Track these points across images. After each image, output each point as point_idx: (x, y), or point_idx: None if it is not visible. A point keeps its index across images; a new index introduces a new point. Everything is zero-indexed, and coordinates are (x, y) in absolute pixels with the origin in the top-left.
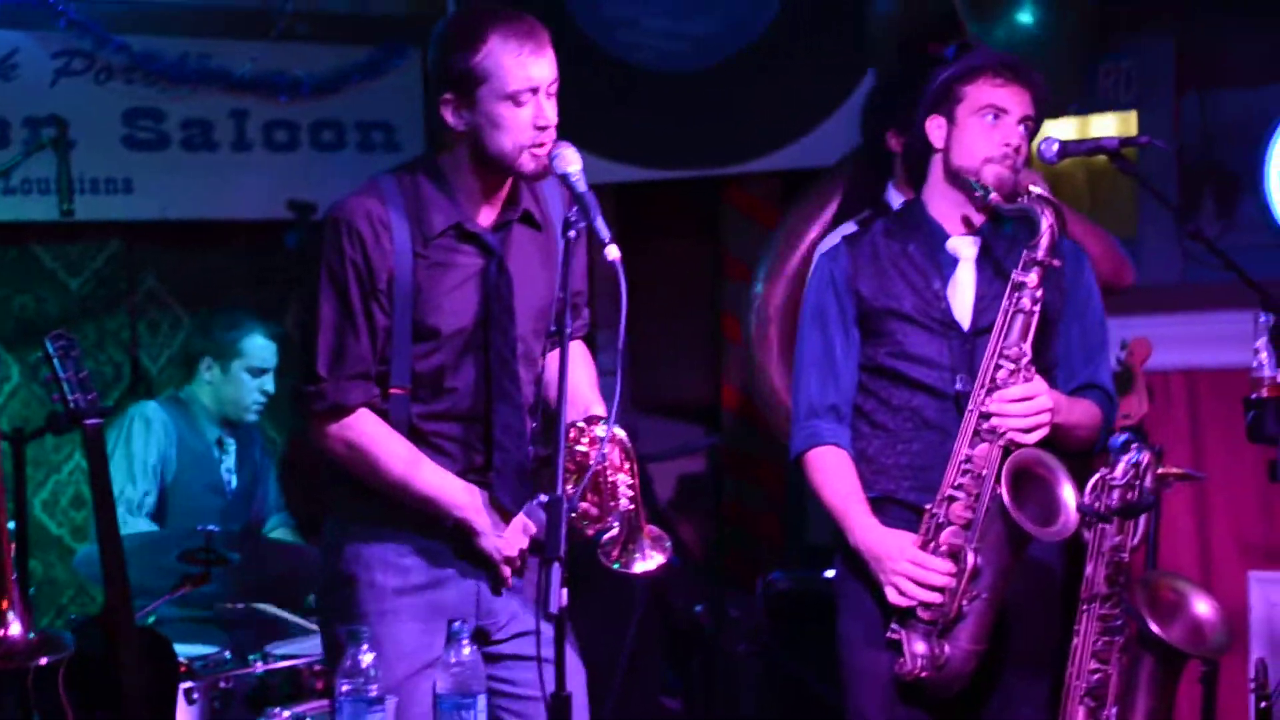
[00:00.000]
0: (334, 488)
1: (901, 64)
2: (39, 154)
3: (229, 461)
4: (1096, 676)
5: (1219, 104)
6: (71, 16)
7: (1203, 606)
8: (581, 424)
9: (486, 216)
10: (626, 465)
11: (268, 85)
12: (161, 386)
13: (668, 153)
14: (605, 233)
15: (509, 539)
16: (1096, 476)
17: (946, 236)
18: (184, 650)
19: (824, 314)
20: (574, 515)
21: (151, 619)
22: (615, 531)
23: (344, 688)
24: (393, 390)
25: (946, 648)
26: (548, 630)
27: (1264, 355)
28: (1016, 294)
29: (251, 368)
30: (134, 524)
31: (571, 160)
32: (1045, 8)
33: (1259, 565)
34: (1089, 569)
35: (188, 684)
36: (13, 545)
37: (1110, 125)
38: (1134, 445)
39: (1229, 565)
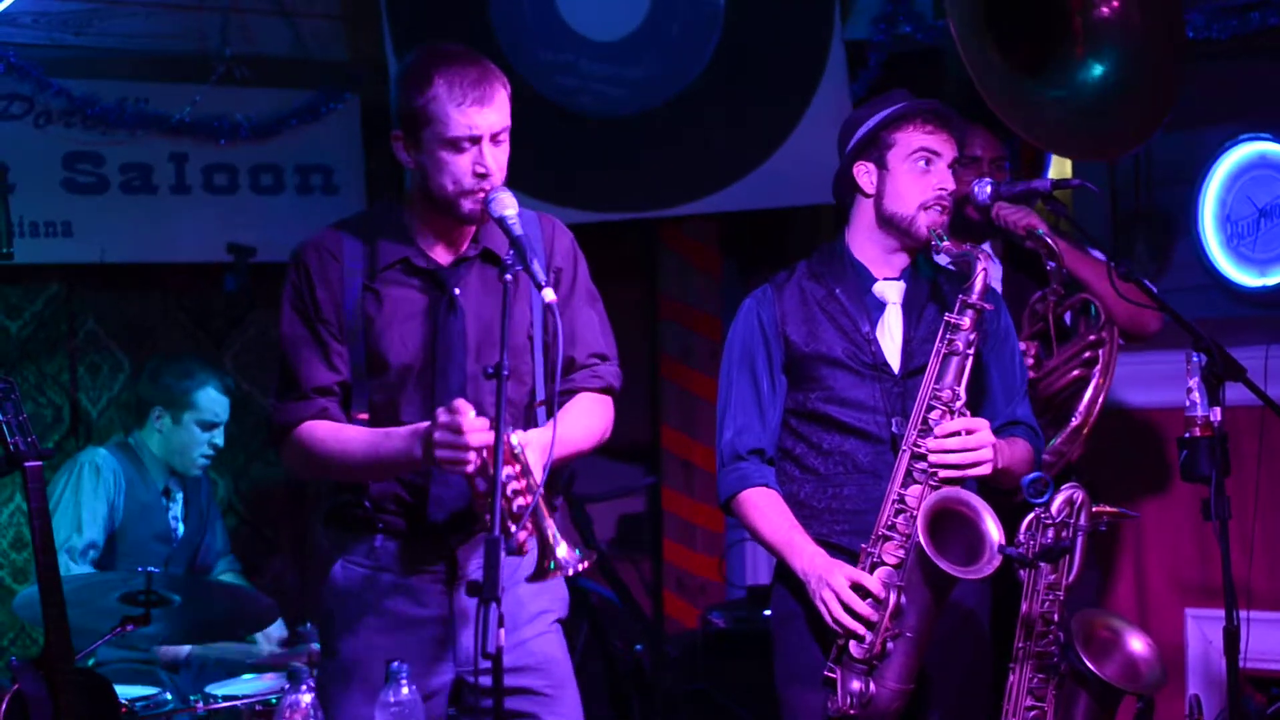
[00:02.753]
0: (324, 526)
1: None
2: None
3: (175, 509)
4: (1033, 714)
5: (1153, 146)
6: (11, 60)
7: (1138, 644)
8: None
9: (444, 254)
10: (515, 465)
11: (207, 129)
12: (101, 430)
13: (606, 196)
14: (541, 276)
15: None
16: (1031, 515)
17: (873, 280)
18: (125, 692)
19: (752, 358)
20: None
21: (91, 661)
22: (529, 545)
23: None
24: (355, 417)
25: (873, 686)
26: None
27: (1196, 395)
28: (950, 336)
29: (202, 421)
30: (75, 570)
31: (508, 204)
32: (1124, 52)
33: (1195, 603)
34: (1025, 607)
35: None
36: None
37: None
38: (1065, 485)
39: (1165, 603)
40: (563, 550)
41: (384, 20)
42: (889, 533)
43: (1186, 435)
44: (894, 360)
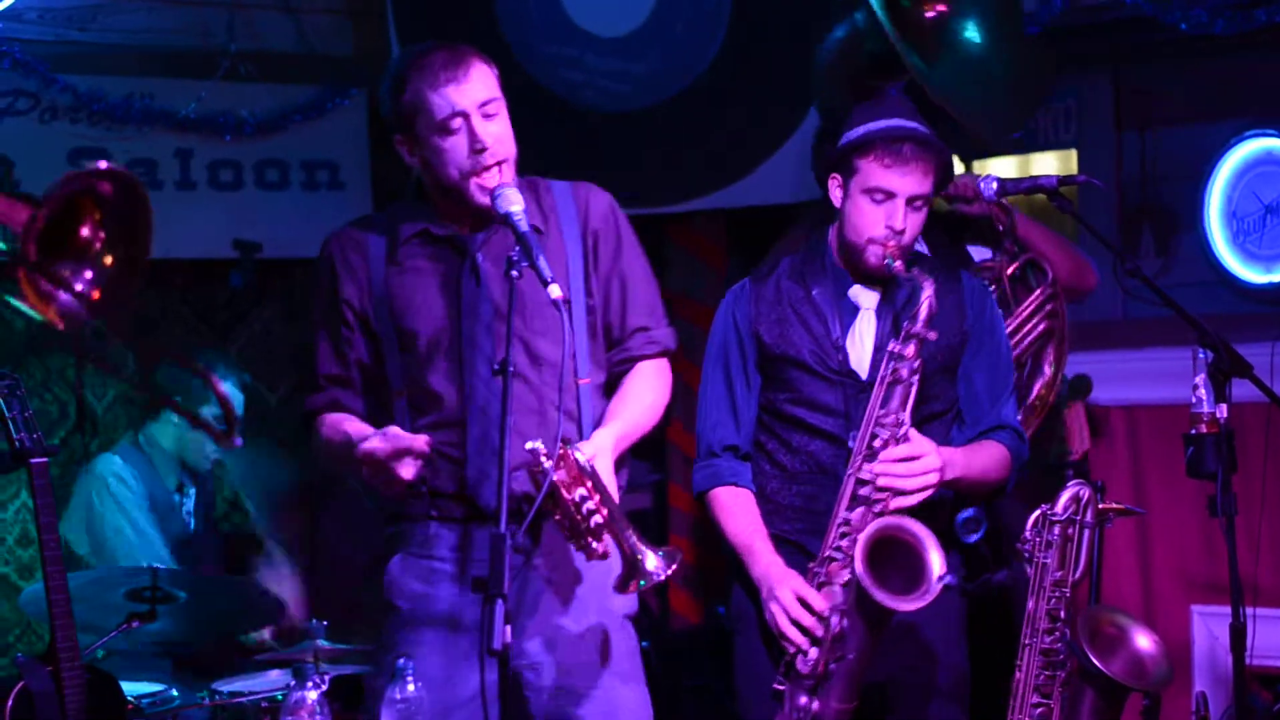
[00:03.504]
0: (385, 521)
1: (849, 100)
2: None
3: (189, 504)
4: (1039, 711)
5: (1158, 142)
6: (16, 56)
7: (1144, 640)
8: (536, 446)
9: (469, 225)
10: (587, 483)
11: (212, 125)
12: (107, 425)
13: (611, 191)
14: (547, 272)
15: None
16: (1038, 512)
17: (850, 283)
18: (131, 688)
19: (726, 356)
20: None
21: (100, 654)
22: (618, 562)
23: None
24: (394, 399)
25: (816, 704)
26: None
27: (1202, 391)
28: (893, 364)
29: (218, 416)
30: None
31: (513, 200)
32: (988, 39)
33: (1201, 599)
34: (1031, 604)
35: None
36: None
37: (1051, 164)
38: (1072, 482)
39: (1171, 599)
40: (651, 562)
41: (389, 15)
42: (834, 554)
43: (1193, 431)
44: (861, 367)
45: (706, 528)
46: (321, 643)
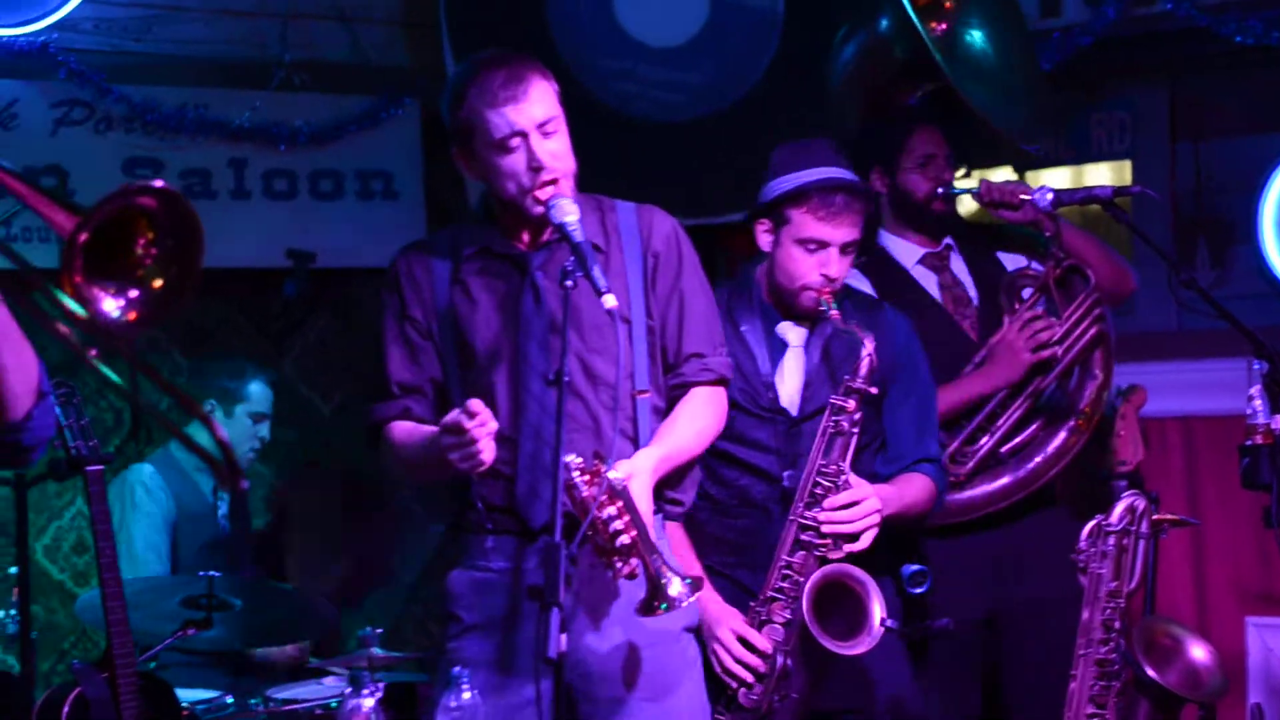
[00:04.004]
0: (446, 533)
1: (872, 112)
2: None
3: (224, 507)
4: None
5: (1213, 153)
6: (72, 66)
7: (1199, 652)
8: (576, 460)
9: (529, 242)
10: (618, 503)
11: (266, 134)
12: (161, 434)
13: (664, 201)
14: (602, 282)
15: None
16: (1093, 523)
17: (778, 320)
18: (186, 695)
19: None
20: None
21: (153, 664)
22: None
23: None
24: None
25: None
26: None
27: (1258, 402)
28: (835, 418)
29: (254, 413)
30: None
31: (568, 210)
32: (995, 40)
33: (1256, 611)
34: (1086, 614)
35: None
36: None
37: (1104, 175)
38: (1127, 493)
39: (1226, 611)
40: (675, 588)
41: (443, 26)
42: (776, 594)
43: (1248, 443)
44: (791, 404)
45: None
46: (376, 650)
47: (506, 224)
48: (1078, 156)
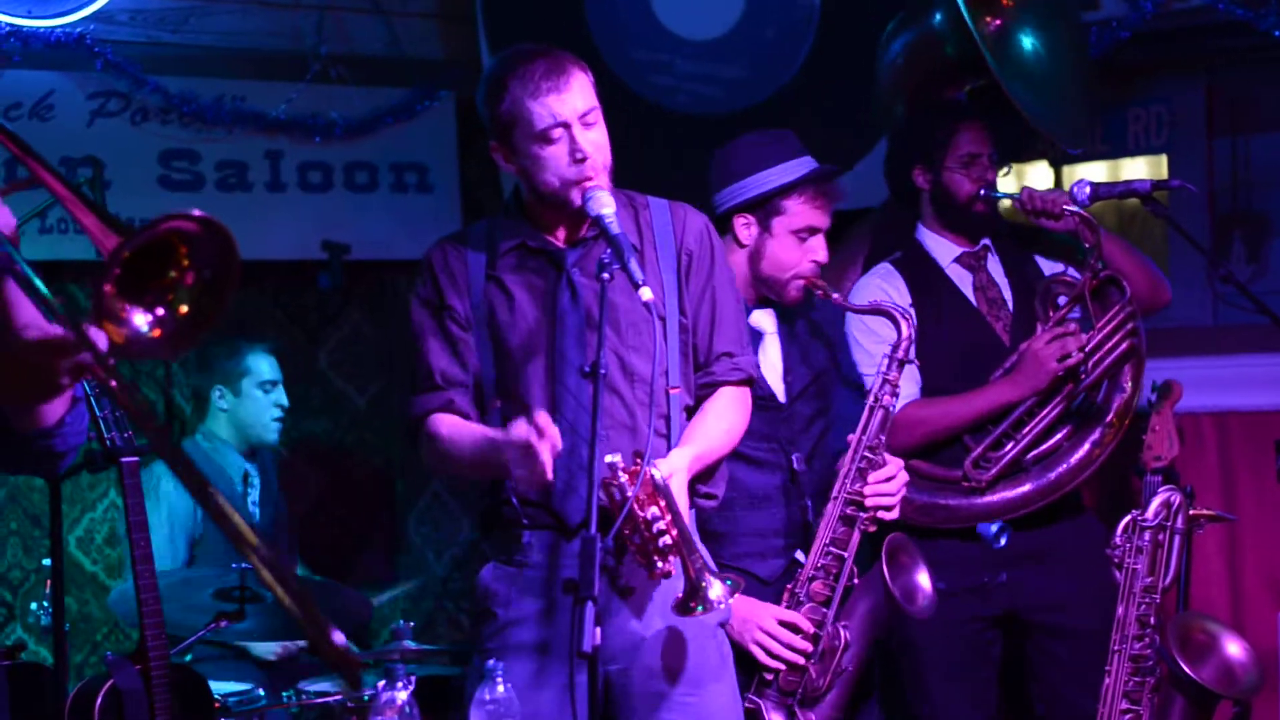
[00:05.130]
0: (480, 531)
1: (917, 108)
2: None
3: (255, 494)
4: (1128, 717)
5: (1250, 148)
6: (108, 58)
7: (1234, 648)
8: (615, 460)
9: (564, 238)
10: (660, 502)
11: (302, 127)
12: (196, 425)
13: (698, 194)
14: (639, 274)
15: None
16: (1128, 518)
17: (748, 309)
18: (218, 687)
19: None
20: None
21: (188, 657)
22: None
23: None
24: (491, 405)
25: (812, 716)
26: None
27: None
28: (882, 391)
29: (262, 382)
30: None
31: (605, 203)
32: (1048, 41)
33: None
34: (1120, 610)
35: None
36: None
37: (1141, 169)
38: (1163, 488)
39: (1260, 606)
40: (715, 591)
41: (479, 19)
42: (817, 573)
43: None
44: (778, 389)
45: None
46: (408, 643)
47: (541, 218)
48: (1114, 151)
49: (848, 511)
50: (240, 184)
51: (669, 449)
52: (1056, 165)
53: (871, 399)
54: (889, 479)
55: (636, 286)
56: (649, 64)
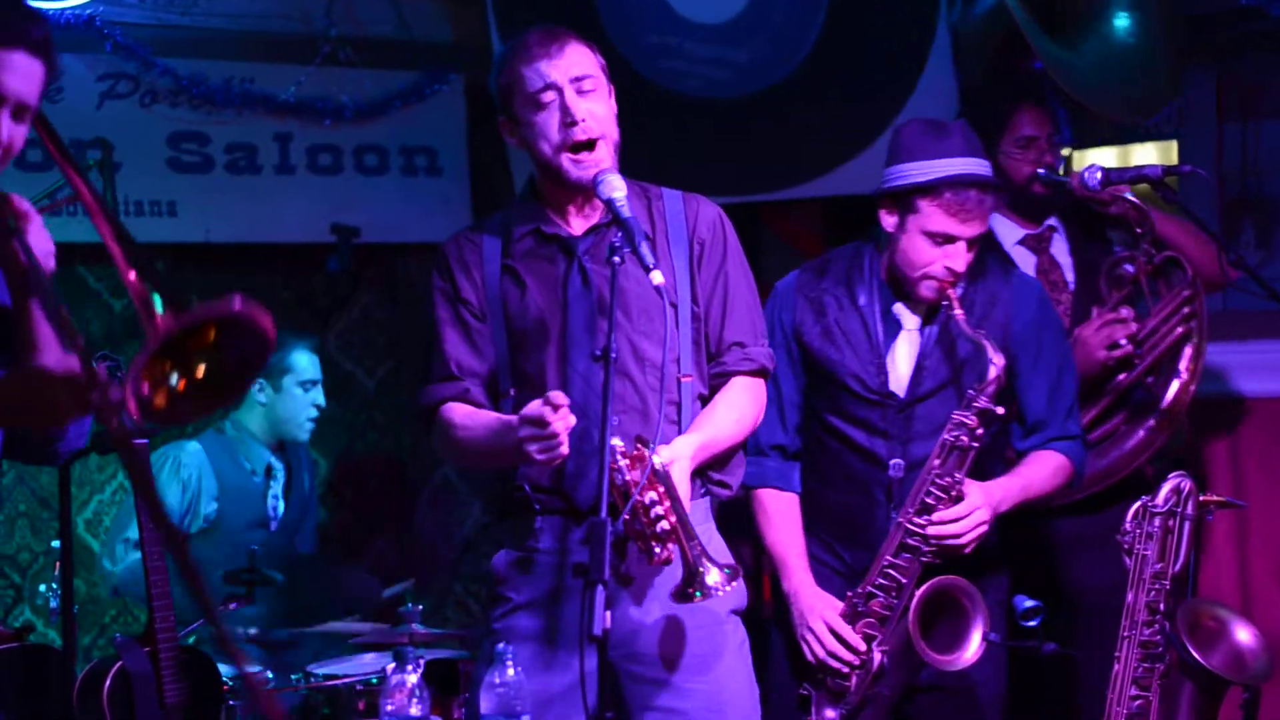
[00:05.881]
0: (491, 517)
1: (995, 71)
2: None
3: (277, 488)
4: (1137, 703)
5: (1260, 134)
6: (118, 40)
7: (1244, 634)
8: (619, 445)
9: (577, 224)
10: (659, 487)
11: (312, 109)
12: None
13: (709, 179)
14: (649, 258)
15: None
16: (1138, 504)
17: (893, 301)
18: (227, 669)
19: (775, 353)
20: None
21: (193, 639)
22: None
23: (484, 705)
24: (504, 395)
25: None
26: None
27: None
28: (956, 432)
29: (303, 381)
30: (124, 563)
31: (616, 185)
32: (1137, 12)
33: None
34: (1130, 596)
35: (230, 703)
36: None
37: (1151, 154)
38: (1173, 474)
39: (1269, 593)
40: (713, 577)
41: (488, 2)
42: (875, 590)
43: None
44: (900, 387)
45: None
46: (417, 627)
47: (554, 201)
48: (1124, 136)
49: (908, 541)
50: (249, 166)
51: (679, 436)
52: (1071, 148)
53: (947, 436)
54: (958, 519)
55: (648, 270)
56: (658, 48)
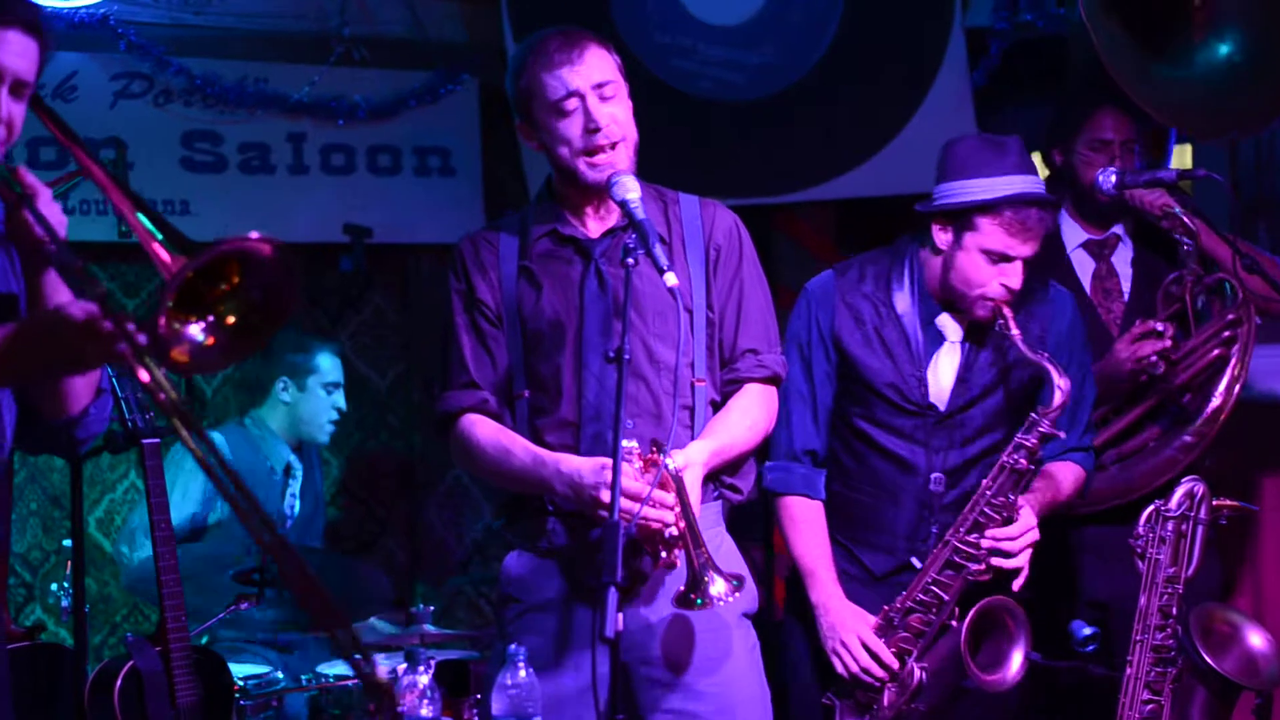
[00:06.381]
0: (501, 520)
1: (1091, 86)
2: None
3: (295, 486)
4: (1149, 708)
5: (1275, 137)
6: (132, 39)
7: (1257, 639)
8: (632, 445)
9: (594, 227)
10: (671, 493)
11: (325, 109)
12: (217, 407)
13: (722, 181)
14: (663, 260)
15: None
16: (1151, 508)
17: (938, 311)
18: (237, 670)
19: (809, 355)
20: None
21: (205, 639)
22: (683, 572)
23: (495, 706)
24: (518, 395)
25: None
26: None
27: None
28: (1016, 455)
29: (327, 383)
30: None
31: (630, 188)
32: (1247, 28)
33: None
34: (1143, 600)
35: (241, 702)
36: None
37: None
38: (1186, 478)
39: None
40: (717, 588)
41: (502, 2)
42: (915, 605)
43: None
44: (941, 399)
45: None
46: (429, 627)
47: (571, 203)
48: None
49: (956, 559)
50: (263, 166)
51: (692, 440)
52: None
53: (1006, 458)
54: (1011, 538)
55: (661, 271)
56: (672, 49)
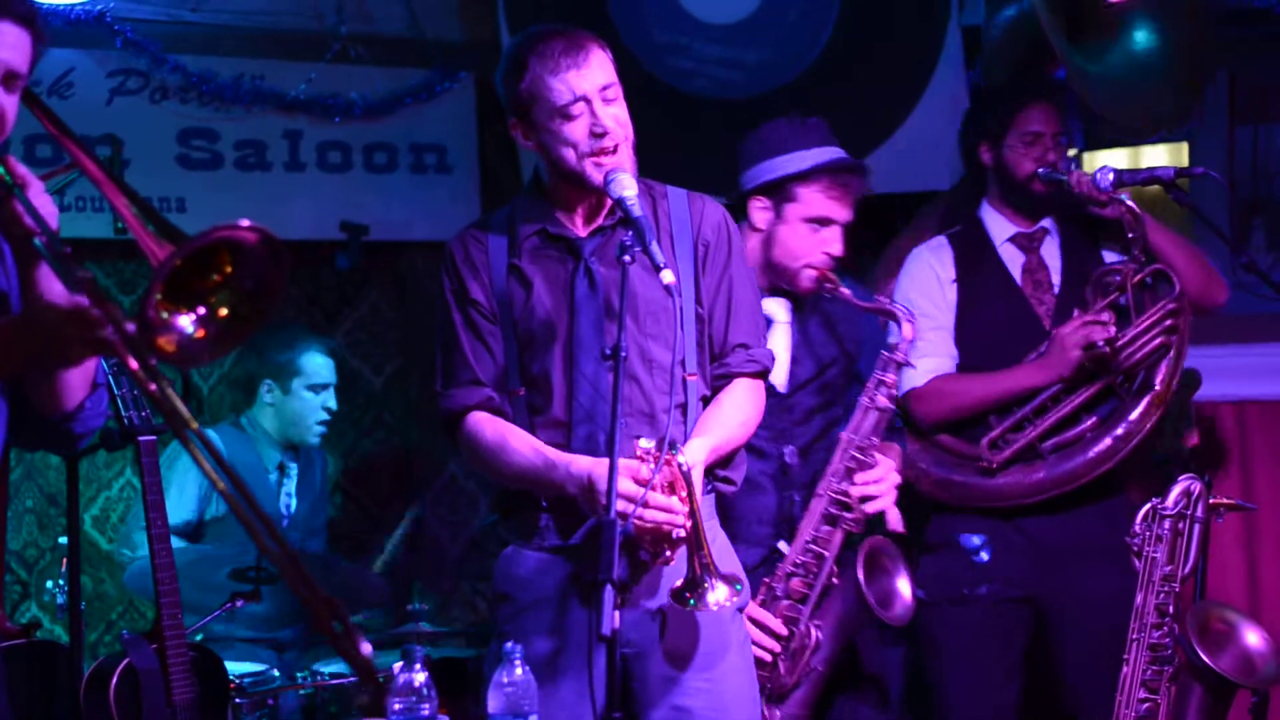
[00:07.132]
0: (497, 514)
1: (1013, 80)
2: None
3: (289, 485)
4: (1145, 706)
5: (1272, 136)
6: (128, 36)
7: (1253, 637)
8: (644, 443)
9: (582, 225)
10: (681, 491)
11: (322, 106)
12: (213, 405)
13: (719, 179)
14: (660, 257)
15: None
16: (1148, 506)
17: (762, 295)
18: (234, 668)
19: None
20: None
21: (199, 636)
22: (682, 570)
23: (492, 704)
24: (514, 393)
25: (778, 713)
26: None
27: None
28: (876, 392)
29: (312, 385)
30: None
31: (626, 185)
32: (1159, 27)
33: None
34: (1139, 598)
35: (237, 700)
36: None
37: (1162, 156)
38: (1183, 476)
39: (1278, 596)
40: (717, 594)
41: (499, 0)
42: (796, 569)
43: None
44: (780, 380)
45: None
46: (424, 625)
47: (562, 199)
48: (1135, 138)
49: (831, 510)
50: (259, 163)
51: (685, 437)
52: (1080, 150)
53: (865, 399)
54: (877, 480)
55: (658, 269)
56: (669, 47)
